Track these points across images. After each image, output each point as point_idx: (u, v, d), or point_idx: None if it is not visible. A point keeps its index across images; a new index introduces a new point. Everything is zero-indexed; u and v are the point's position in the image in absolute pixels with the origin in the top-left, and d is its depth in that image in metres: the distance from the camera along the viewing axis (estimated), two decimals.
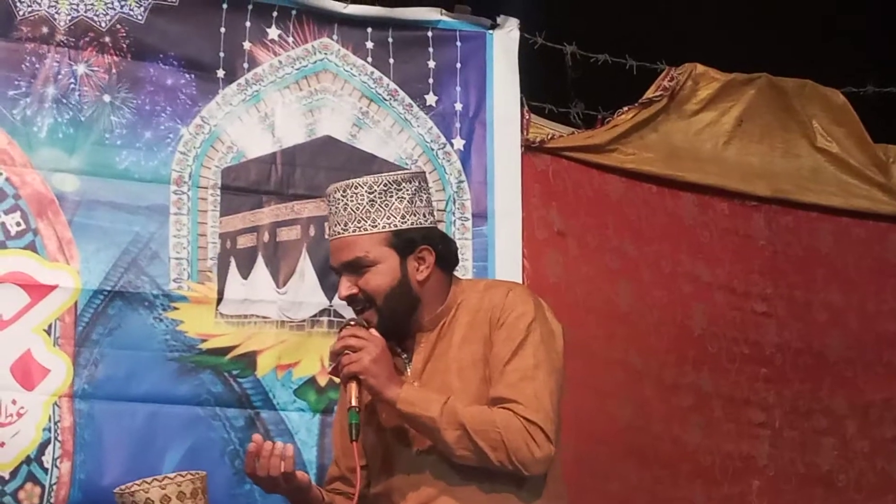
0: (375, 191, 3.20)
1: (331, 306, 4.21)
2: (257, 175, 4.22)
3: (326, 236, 3.33)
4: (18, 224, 3.94)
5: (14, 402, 3.85)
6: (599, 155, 4.67)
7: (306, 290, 4.21)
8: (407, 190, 3.22)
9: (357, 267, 3.19)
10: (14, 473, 3.84)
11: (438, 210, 4.23)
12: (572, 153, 4.63)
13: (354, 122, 4.35)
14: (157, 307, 4.03)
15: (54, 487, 3.87)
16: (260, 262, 4.18)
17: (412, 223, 3.22)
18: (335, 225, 3.22)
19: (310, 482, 3.22)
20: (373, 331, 3.16)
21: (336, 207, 3.22)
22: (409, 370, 3.26)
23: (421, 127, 4.41)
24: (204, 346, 4.07)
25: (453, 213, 4.40)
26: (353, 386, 3.11)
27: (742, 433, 4.84)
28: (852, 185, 5.10)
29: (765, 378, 4.89)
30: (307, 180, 4.26)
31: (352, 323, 3.20)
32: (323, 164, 4.28)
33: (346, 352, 3.12)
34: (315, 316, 4.21)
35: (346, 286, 3.21)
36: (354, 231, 3.19)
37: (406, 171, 3.65)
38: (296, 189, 4.24)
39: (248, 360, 4.12)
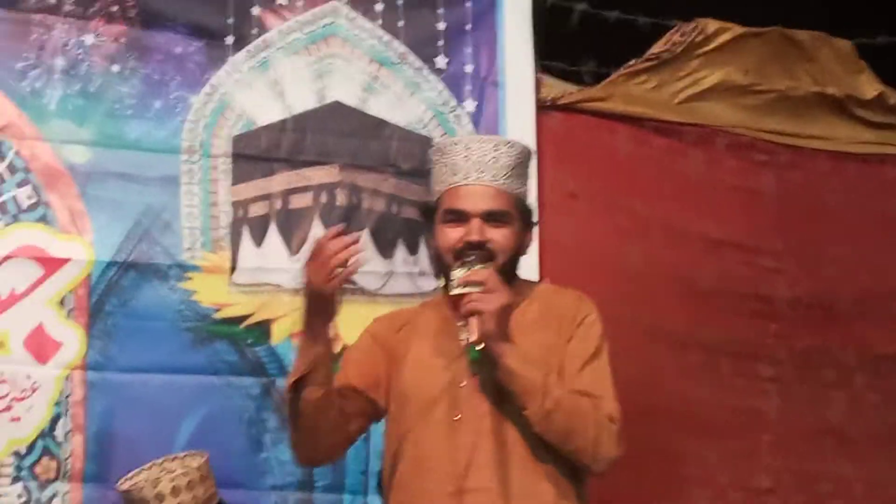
0: (521, 158, 3.26)
1: None
2: (268, 142, 4.20)
3: (461, 179, 3.20)
4: (30, 197, 3.94)
5: (28, 376, 3.88)
6: (607, 103, 4.64)
7: None
8: (529, 167, 3.30)
9: (498, 219, 3.19)
10: (30, 448, 3.89)
11: None
12: (583, 104, 4.60)
13: (364, 86, 4.31)
14: (170, 277, 4.04)
15: (69, 461, 3.89)
16: (273, 229, 4.17)
17: (528, 200, 3.31)
18: (481, 171, 3.20)
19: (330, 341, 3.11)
20: None
21: (485, 157, 3.21)
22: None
23: (431, 90, 4.38)
24: (218, 315, 4.08)
25: None
26: (475, 321, 3.02)
27: (751, 388, 4.84)
28: (860, 131, 5.07)
29: (775, 333, 4.89)
30: (318, 146, 4.24)
31: (474, 260, 3.11)
32: (333, 129, 4.26)
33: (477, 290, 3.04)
34: None
35: (481, 230, 3.16)
36: (504, 186, 3.21)
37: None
38: (306, 156, 4.23)
39: (263, 329, 4.12)
